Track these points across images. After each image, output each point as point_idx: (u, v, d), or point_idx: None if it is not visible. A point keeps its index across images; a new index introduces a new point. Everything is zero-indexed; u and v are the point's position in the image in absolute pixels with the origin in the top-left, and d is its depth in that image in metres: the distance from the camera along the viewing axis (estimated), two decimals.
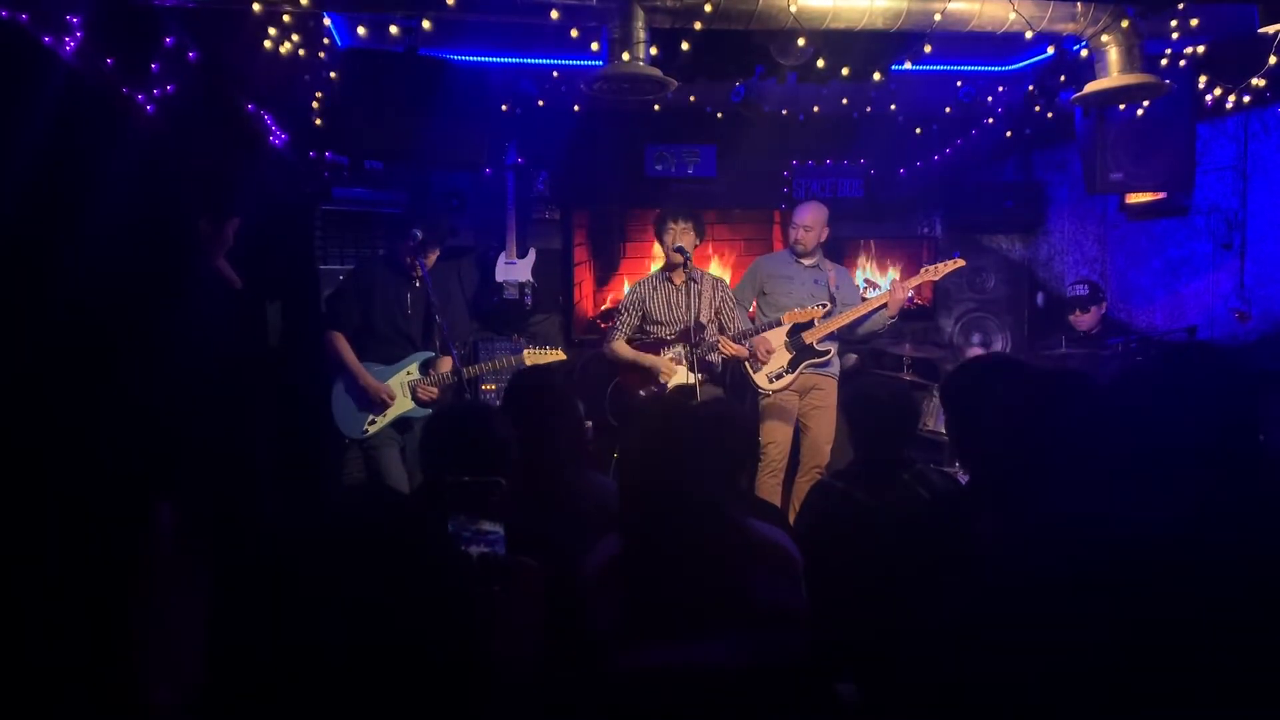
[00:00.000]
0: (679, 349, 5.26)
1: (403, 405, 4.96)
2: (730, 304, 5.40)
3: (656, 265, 6.81)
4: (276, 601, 0.88)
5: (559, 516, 2.88)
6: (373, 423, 4.93)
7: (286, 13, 3.92)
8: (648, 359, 5.29)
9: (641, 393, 5.28)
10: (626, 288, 6.46)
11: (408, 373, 4.99)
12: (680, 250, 5.09)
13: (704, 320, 5.18)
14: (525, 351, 5.29)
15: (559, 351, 5.38)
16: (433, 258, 4.99)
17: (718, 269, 7.10)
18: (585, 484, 3.22)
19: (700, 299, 5.17)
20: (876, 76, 4.75)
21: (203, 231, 3.86)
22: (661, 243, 5.29)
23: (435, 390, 4.96)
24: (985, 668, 1.85)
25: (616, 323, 5.42)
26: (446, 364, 5.00)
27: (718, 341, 5.20)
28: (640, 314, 5.34)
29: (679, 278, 5.28)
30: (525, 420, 2.86)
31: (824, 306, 5.42)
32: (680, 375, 5.20)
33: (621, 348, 5.37)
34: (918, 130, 6.19)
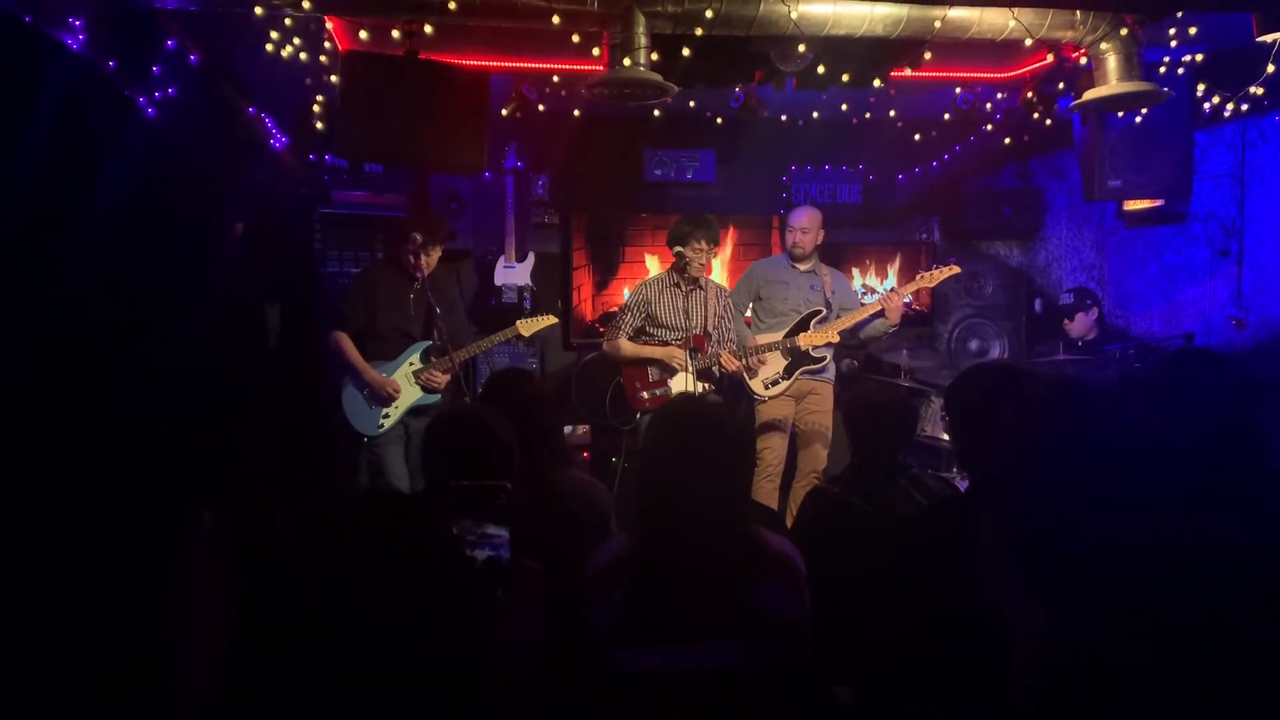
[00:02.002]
0: (685, 355, 5.15)
1: (411, 395, 4.98)
2: (730, 316, 5.34)
3: (654, 263, 6.84)
4: (284, 605, 0.88)
5: (551, 516, 2.88)
6: (386, 416, 4.96)
7: (288, 16, 3.93)
8: (659, 351, 5.16)
9: (644, 394, 5.19)
10: (626, 292, 6.44)
11: (410, 363, 5.00)
12: (680, 255, 5.02)
13: (710, 329, 5.11)
14: (518, 322, 5.17)
15: (551, 317, 5.28)
16: (435, 256, 4.99)
17: (716, 274, 7.11)
18: (572, 483, 3.23)
19: (706, 306, 5.11)
20: (876, 83, 4.76)
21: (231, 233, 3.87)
22: (677, 253, 5.12)
23: (441, 375, 4.97)
24: (982, 672, 1.85)
25: (619, 320, 5.29)
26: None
27: (719, 355, 5.13)
28: (645, 315, 5.22)
29: (689, 284, 5.20)
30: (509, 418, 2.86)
31: (819, 312, 5.43)
32: (684, 382, 5.11)
33: (626, 344, 5.24)
34: (916, 136, 6.20)
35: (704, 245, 5.04)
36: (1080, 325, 5.88)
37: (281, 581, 0.89)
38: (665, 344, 5.21)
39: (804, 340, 5.32)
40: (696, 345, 5.07)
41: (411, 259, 4.89)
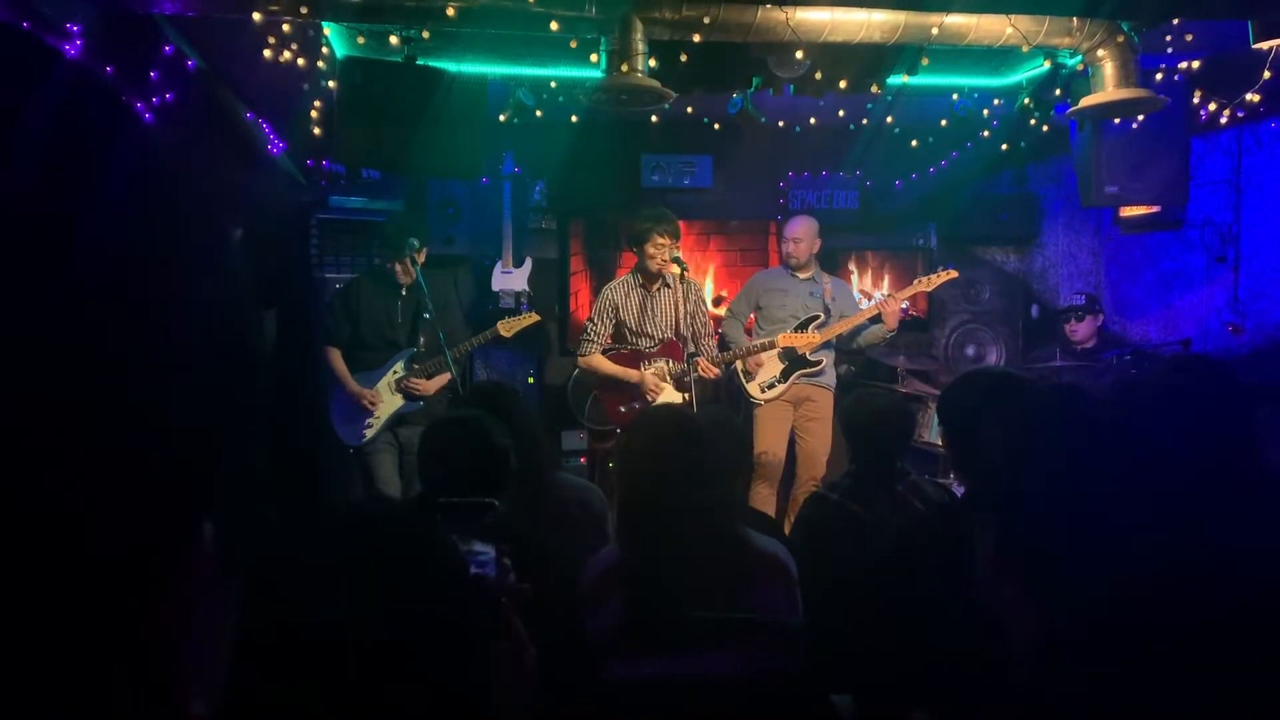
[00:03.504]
0: (662, 364, 5.04)
1: (392, 404, 4.99)
2: (703, 310, 5.22)
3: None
4: (283, 614, 0.88)
5: (547, 520, 2.89)
6: (369, 426, 4.97)
7: (286, 22, 3.93)
8: (633, 375, 5.00)
9: (622, 409, 5.04)
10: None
11: (394, 372, 5.02)
12: (677, 260, 4.86)
13: (684, 332, 4.92)
14: (500, 323, 5.10)
15: (533, 315, 5.23)
16: (422, 255, 4.98)
17: (714, 279, 7.11)
18: (568, 489, 3.24)
19: (676, 307, 4.92)
20: (873, 89, 4.77)
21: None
22: (637, 253, 5.02)
23: (424, 382, 4.97)
24: (980, 679, 1.85)
25: (588, 331, 5.09)
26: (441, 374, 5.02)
27: (696, 363, 4.95)
28: (614, 321, 5.08)
29: (655, 285, 5.07)
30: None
31: (818, 317, 5.43)
32: (668, 393, 4.99)
33: (599, 361, 5.05)
34: (913, 142, 6.21)
35: (665, 240, 4.92)
36: (1086, 329, 5.86)
37: (280, 590, 0.89)
38: (638, 352, 5.09)
39: (784, 340, 5.27)
40: (670, 353, 5.00)
41: (402, 264, 4.89)
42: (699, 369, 4.96)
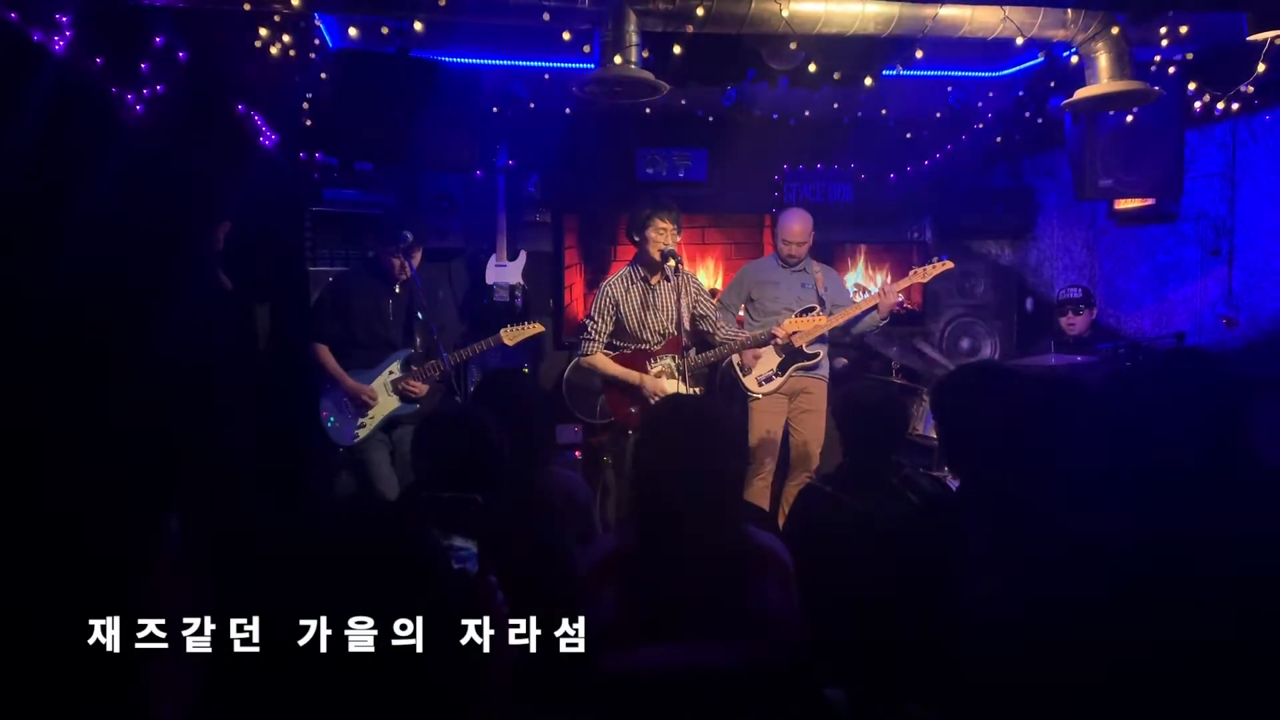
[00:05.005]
0: (668, 361, 4.95)
1: (388, 405, 4.92)
2: (706, 298, 5.13)
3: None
4: (263, 614, 0.87)
5: (532, 513, 2.89)
6: (362, 426, 4.88)
7: (277, 13, 3.91)
8: (635, 377, 4.90)
9: (634, 410, 4.91)
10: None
11: (390, 372, 4.94)
12: (671, 255, 4.76)
13: (687, 325, 4.84)
14: (503, 330, 5.02)
15: (537, 325, 5.13)
16: (418, 256, 4.94)
17: (709, 273, 7.10)
18: (552, 479, 3.24)
19: (678, 300, 4.78)
20: (868, 81, 4.76)
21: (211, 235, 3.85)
22: (638, 242, 4.89)
23: (420, 384, 4.91)
24: (973, 674, 1.85)
25: (589, 330, 4.96)
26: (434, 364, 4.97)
27: (710, 351, 5.03)
28: (614, 318, 4.94)
29: (656, 277, 4.93)
30: (499, 418, 2.85)
31: (813, 309, 5.42)
32: (673, 389, 4.83)
33: (602, 361, 4.94)
34: (908, 135, 6.20)
35: (666, 224, 4.77)
36: (1084, 321, 5.84)
37: (260, 589, 0.88)
38: (641, 352, 4.99)
39: (790, 324, 5.21)
40: (674, 350, 4.90)
41: (398, 260, 4.86)
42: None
